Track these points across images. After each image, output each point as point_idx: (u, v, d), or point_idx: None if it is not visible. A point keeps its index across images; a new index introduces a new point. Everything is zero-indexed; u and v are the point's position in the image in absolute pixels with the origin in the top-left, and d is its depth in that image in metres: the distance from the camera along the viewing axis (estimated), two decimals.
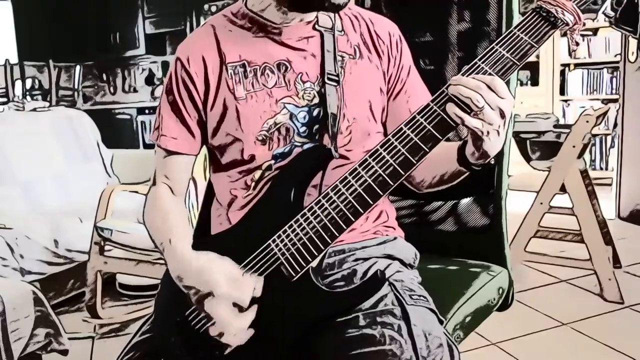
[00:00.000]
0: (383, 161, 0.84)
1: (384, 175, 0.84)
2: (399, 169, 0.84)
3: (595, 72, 4.93)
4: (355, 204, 0.85)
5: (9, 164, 2.90)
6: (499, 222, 1.30)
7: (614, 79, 4.81)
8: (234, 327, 0.88)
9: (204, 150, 1.11)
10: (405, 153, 0.84)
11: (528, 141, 3.03)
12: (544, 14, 0.84)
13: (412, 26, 1.44)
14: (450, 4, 1.37)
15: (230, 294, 0.87)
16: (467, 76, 0.82)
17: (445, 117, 0.82)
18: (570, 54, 4.98)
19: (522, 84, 5.16)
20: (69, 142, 3.27)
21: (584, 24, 0.84)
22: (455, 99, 0.81)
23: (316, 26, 1.00)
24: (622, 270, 2.82)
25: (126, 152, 3.84)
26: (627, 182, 3.78)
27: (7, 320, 1.61)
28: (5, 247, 2.44)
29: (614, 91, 4.79)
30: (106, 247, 2.44)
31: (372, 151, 0.86)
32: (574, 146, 2.52)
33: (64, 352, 1.81)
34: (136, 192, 2.64)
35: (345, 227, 0.86)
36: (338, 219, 0.86)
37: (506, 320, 1.44)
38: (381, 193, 0.85)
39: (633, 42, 3.59)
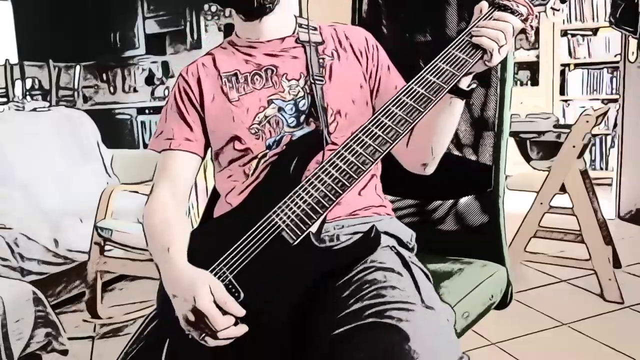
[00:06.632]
0: (372, 133, 0.94)
1: (374, 145, 0.93)
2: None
3: (595, 72, 4.93)
4: (349, 171, 0.94)
5: (9, 164, 2.90)
6: (497, 221, 1.32)
7: (614, 79, 4.81)
8: (221, 320, 0.90)
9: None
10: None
11: (528, 141, 3.02)
12: (502, 8, 0.97)
13: (411, 26, 1.44)
14: (450, 4, 1.38)
15: (211, 295, 0.91)
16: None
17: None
18: (570, 54, 4.98)
19: (522, 84, 5.16)
20: (69, 143, 3.27)
21: (537, 16, 0.99)
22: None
23: (298, 40, 1.15)
24: (622, 270, 2.81)
25: (126, 152, 3.85)
26: (627, 182, 3.78)
27: (7, 320, 1.61)
28: (5, 247, 2.44)
29: (614, 91, 4.78)
30: (106, 247, 2.44)
31: (361, 128, 0.95)
32: (574, 146, 2.52)
33: (64, 352, 1.81)
34: (136, 192, 2.64)
35: (341, 192, 0.93)
36: (334, 186, 0.94)
37: (506, 320, 1.45)
38: (372, 160, 0.93)
39: (633, 42, 3.59)
